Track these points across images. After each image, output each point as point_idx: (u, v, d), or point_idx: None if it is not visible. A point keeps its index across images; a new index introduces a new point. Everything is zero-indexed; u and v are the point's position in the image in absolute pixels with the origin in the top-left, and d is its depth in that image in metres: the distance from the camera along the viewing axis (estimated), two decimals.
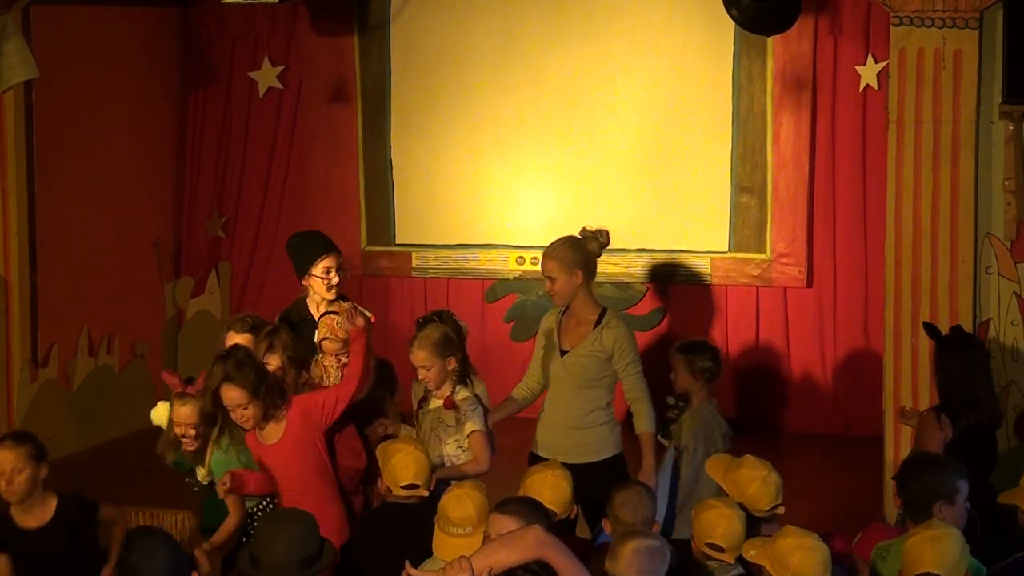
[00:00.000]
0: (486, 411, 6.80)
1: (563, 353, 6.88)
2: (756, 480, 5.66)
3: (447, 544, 5.28)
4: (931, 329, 7.25)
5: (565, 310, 6.95)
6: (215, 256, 10.98)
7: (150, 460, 9.49)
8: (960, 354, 7.01)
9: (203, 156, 10.95)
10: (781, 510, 5.69)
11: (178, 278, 10.94)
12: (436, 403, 6.80)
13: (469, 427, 6.70)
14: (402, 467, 6.00)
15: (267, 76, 10.78)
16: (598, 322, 6.84)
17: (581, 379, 6.84)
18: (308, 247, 7.30)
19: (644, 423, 6.84)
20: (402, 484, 6.00)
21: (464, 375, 6.87)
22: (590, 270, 6.86)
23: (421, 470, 6.00)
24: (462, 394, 6.79)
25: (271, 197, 10.92)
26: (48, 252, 9.51)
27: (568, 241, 6.87)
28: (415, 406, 6.97)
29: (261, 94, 10.83)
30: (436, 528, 5.45)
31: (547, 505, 5.74)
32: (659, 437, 6.92)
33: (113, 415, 10.11)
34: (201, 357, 11.14)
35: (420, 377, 6.81)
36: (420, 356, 6.72)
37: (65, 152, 9.66)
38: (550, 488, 5.82)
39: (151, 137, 10.64)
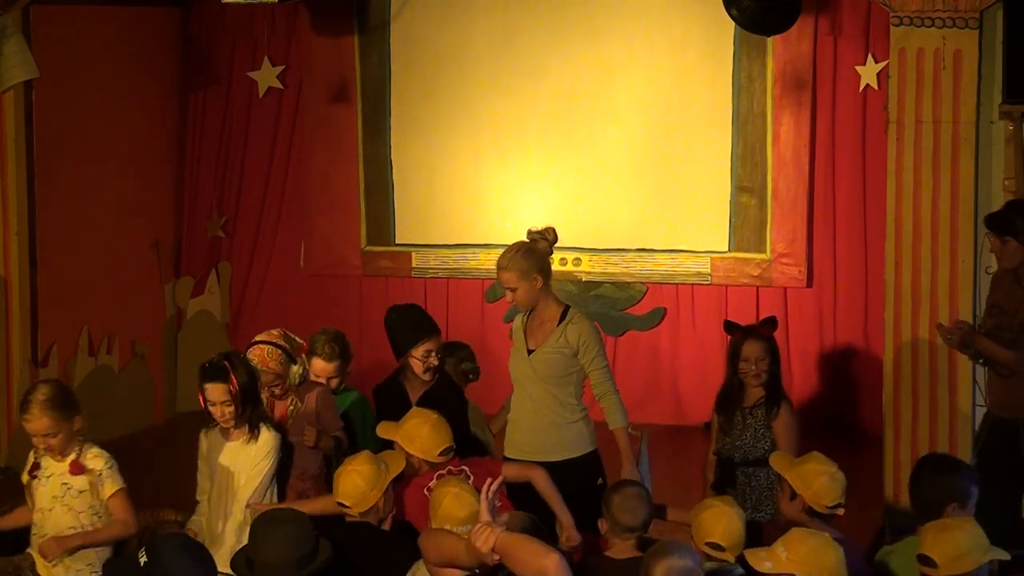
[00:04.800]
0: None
1: (530, 352, 6.89)
2: (824, 475, 5.66)
3: None
4: (734, 327, 7.27)
5: (530, 312, 6.95)
6: (215, 256, 10.97)
7: (150, 460, 9.57)
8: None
9: (203, 156, 10.94)
10: (841, 511, 5.67)
11: (178, 278, 10.92)
12: (58, 467, 6.13)
13: (109, 488, 6.13)
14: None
15: (267, 76, 10.77)
16: (561, 319, 6.85)
17: (548, 377, 6.83)
18: (410, 328, 7.13)
19: (616, 419, 6.83)
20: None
21: (260, 419, 6.42)
22: (546, 271, 6.85)
23: (346, 492, 5.77)
24: (91, 454, 6.16)
25: (271, 197, 10.91)
26: (48, 252, 9.50)
27: (519, 248, 6.86)
28: (27, 475, 6.21)
29: (261, 94, 10.82)
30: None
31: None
32: (629, 430, 6.89)
33: (113, 415, 10.09)
34: (201, 357, 11.14)
35: (43, 447, 6.09)
36: (43, 424, 6.02)
37: (65, 152, 9.64)
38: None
39: (151, 137, 10.63)
